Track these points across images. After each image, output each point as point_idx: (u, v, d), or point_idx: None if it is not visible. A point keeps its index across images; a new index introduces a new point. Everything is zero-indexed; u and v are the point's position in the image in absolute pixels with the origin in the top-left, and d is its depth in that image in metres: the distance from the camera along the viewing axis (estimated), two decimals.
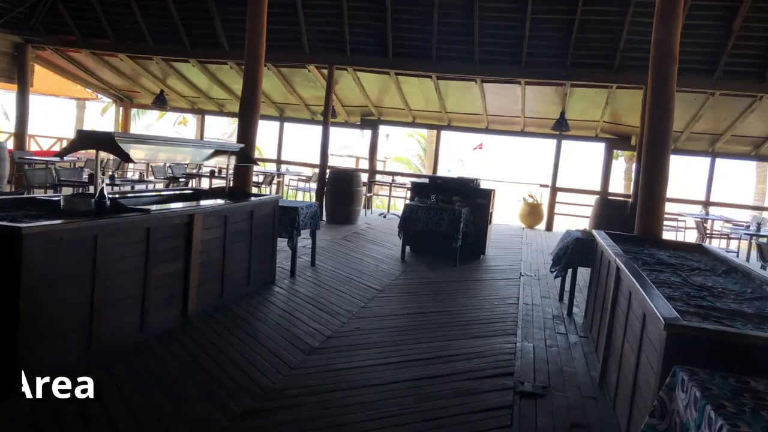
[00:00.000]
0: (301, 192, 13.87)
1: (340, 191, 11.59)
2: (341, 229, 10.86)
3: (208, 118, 20.90)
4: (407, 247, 8.80)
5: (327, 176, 11.90)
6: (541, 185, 14.52)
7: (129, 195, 6.06)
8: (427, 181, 9.35)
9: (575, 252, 6.05)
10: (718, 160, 13.37)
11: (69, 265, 3.59)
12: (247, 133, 6.76)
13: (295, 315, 5.40)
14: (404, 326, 5.43)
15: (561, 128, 12.47)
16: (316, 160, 12.66)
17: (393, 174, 15.62)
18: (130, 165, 13.34)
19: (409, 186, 14.06)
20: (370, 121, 14.71)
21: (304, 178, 14.14)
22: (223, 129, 27.02)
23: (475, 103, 13.13)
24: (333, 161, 12.49)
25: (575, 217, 15.23)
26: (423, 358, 4.57)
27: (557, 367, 4.64)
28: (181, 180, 11.79)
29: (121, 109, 16.25)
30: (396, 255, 8.80)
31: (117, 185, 8.91)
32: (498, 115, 13.65)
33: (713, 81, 10.43)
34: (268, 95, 14.40)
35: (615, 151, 23.40)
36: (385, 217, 13.26)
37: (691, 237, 13.11)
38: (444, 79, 12.06)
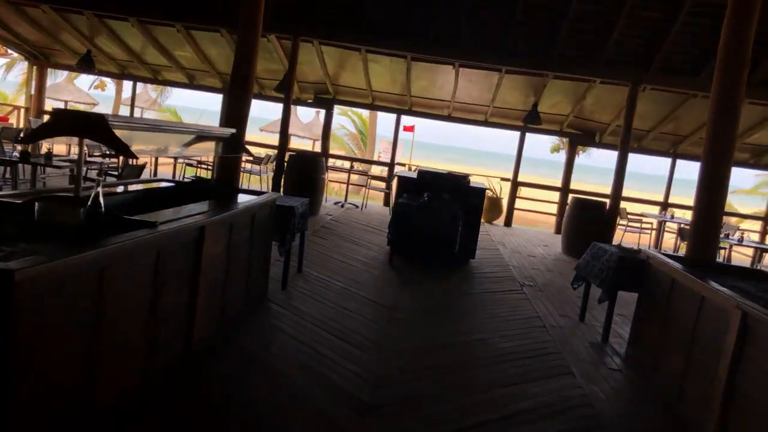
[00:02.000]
0: (251, 176, 12.56)
1: (302, 178, 10.48)
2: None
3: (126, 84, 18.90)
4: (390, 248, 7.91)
5: (287, 160, 10.72)
6: (503, 179, 14.01)
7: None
8: (414, 176, 8.46)
9: (620, 272, 5.40)
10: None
11: (68, 312, 2.45)
12: (238, 117, 5.55)
13: (316, 348, 4.40)
14: (448, 365, 4.55)
15: (533, 120, 11.92)
16: (267, 139, 11.44)
17: (351, 159, 14.57)
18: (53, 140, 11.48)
19: (367, 173, 13.14)
20: (324, 99, 13.57)
21: (253, 159, 12.79)
22: (144, 97, 24.76)
23: (445, 89, 12.33)
24: (262, 139, 11.27)
25: (536, 213, 14.90)
26: (499, 417, 3.73)
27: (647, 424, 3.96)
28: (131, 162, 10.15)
29: (35, 68, 14.12)
30: (381, 257, 7.89)
31: (56, 166, 7.25)
32: (465, 102, 12.92)
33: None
34: (214, 64, 12.90)
35: (557, 143, 23.53)
36: (342, 206, 12.26)
37: (648, 240, 13.06)
38: (419, 61, 11.14)
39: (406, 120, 15.19)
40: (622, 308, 6.14)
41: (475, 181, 8.99)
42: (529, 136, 13.46)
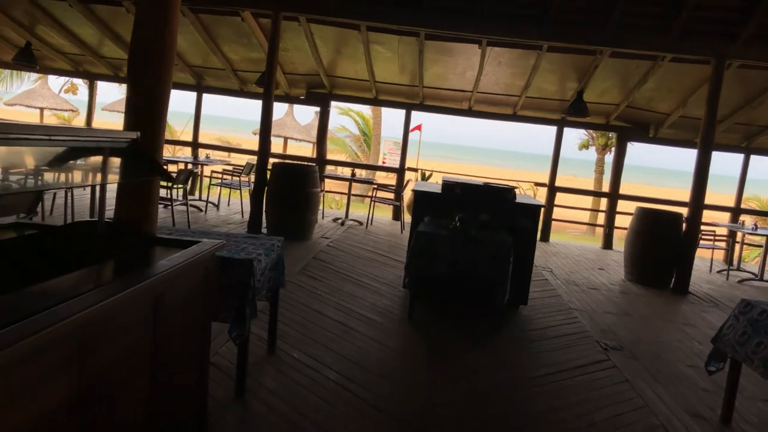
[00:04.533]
0: (230, 190, 10.21)
1: (288, 194, 8.13)
2: (293, 251, 7.43)
3: (101, 85, 16.60)
4: (409, 293, 5.53)
5: (270, 171, 8.37)
6: (537, 184, 11.63)
7: None
8: (438, 189, 6.08)
9: None
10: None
11: None
12: (148, 113, 3.18)
13: None
14: None
15: (577, 111, 9.52)
16: (245, 143, 9.10)
17: (352, 165, 12.17)
18: None
19: (374, 185, 10.78)
20: (319, 95, 11.21)
21: (232, 170, 10.44)
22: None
23: (466, 75, 9.96)
24: (253, 144, 8.83)
25: (573, 223, 12.53)
26: None
27: None
28: None
29: None
30: (395, 309, 5.52)
31: None
32: (490, 93, 10.54)
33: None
34: (181, 55, 10.58)
35: (585, 138, 21.11)
36: (343, 224, 9.91)
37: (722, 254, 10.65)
38: (435, 39, 8.77)
39: (416, 117, 12.82)
40: None
41: (523, 194, 6.61)
42: (550, 131, 11.09)
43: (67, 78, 19.98)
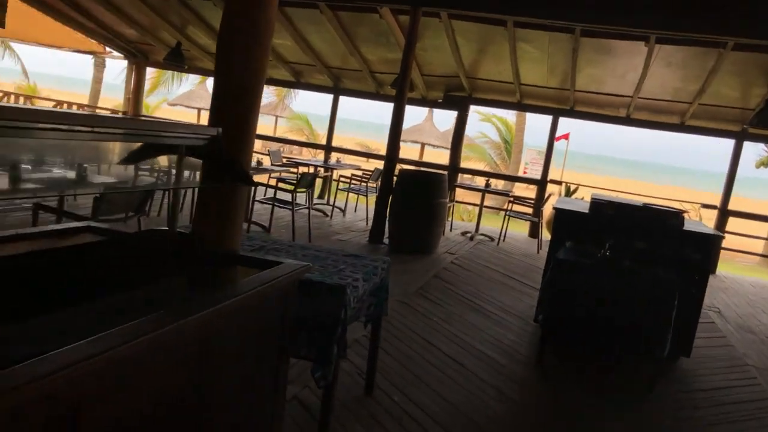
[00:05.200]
0: (356, 195, 9.81)
1: (414, 204, 7.50)
2: (412, 266, 6.80)
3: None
4: (541, 331, 4.62)
5: (396, 178, 7.81)
6: (704, 206, 10.04)
7: None
8: (584, 208, 5.11)
9: None
10: None
11: None
12: (236, 107, 2.63)
13: None
14: None
15: (766, 123, 7.94)
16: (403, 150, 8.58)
17: (487, 175, 11.31)
18: None
19: (510, 197, 9.86)
20: (457, 98, 10.50)
21: (361, 175, 10.05)
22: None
23: (627, 78, 8.75)
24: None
25: (744, 253, 10.71)
26: None
27: None
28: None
29: (133, 67, 12.56)
30: (522, 348, 4.65)
31: None
32: (653, 99, 9.21)
33: None
34: (319, 56, 10.39)
35: (766, 155, 18.41)
36: (472, 238, 9.11)
37: None
38: (593, 36, 7.72)
39: (564, 124, 11.66)
40: None
41: (690, 219, 5.42)
42: (724, 144, 9.44)
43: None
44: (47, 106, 12.86)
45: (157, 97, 24.32)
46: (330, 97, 11.47)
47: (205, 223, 2.65)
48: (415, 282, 6.07)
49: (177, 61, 10.48)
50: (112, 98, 22.05)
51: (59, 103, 12.07)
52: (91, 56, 15.22)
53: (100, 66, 16.37)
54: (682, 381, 4.50)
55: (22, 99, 14.00)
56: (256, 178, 8.17)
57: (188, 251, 2.43)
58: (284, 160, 9.89)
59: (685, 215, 5.06)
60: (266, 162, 9.56)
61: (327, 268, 2.98)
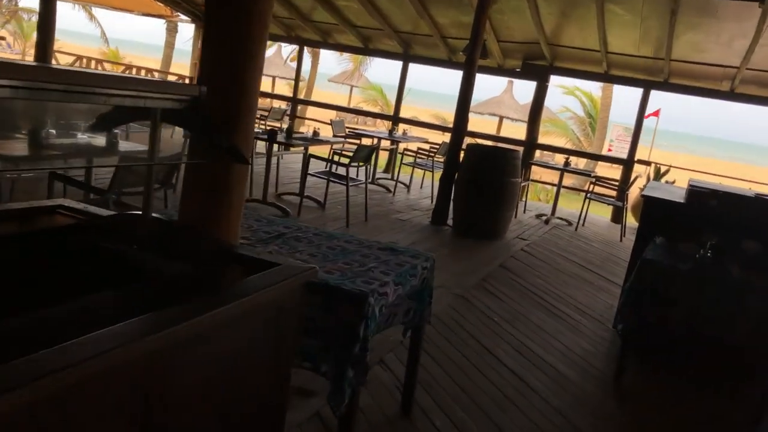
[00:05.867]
0: (422, 170, 9.17)
1: (482, 183, 6.81)
2: (476, 252, 6.17)
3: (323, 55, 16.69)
4: (621, 343, 3.89)
5: (462, 154, 7.12)
6: None
7: None
8: (680, 197, 4.29)
9: None
10: None
11: None
12: (225, 64, 2.14)
13: None
14: None
15: None
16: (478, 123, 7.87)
17: (567, 152, 10.32)
18: None
19: (592, 177, 8.94)
20: (537, 67, 9.60)
21: (429, 149, 9.38)
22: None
23: (733, 45, 7.61)
24: (470, 124, 7.46)
25: None
26: None
27: None
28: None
29: (201, 32, 12.32)
30: (598, 361, 3.95)
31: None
32: (764, 70, 8.01)
33: None
34: (387, 18, 9.72)
35: None
36: (547, 222, 8.32)
37: None
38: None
39: (656, 98, 10.51)
40: None
41: None
42: None
43: (294, 46, 20.49)
44: (116, 71, 12.89)
45: None
46: (399, 64, 10.80)
47: (190, 206, 2.14)
48: (478, 271, 5.45)
49: None
50: (185, 63, 22.18)
51: (128, 67, 12.05)
52: (163, 21, 15.18)
53: (172, 31, 16.36)
54: None
55: (93, 63, 14.18)
56: (314, 149, 7.72)
57: (165, 243, 1.93)
58: (347, 132, 9.38)
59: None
60: (328, 132, 9.09)
61: (352, 266, 2.42)
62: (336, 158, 7.33)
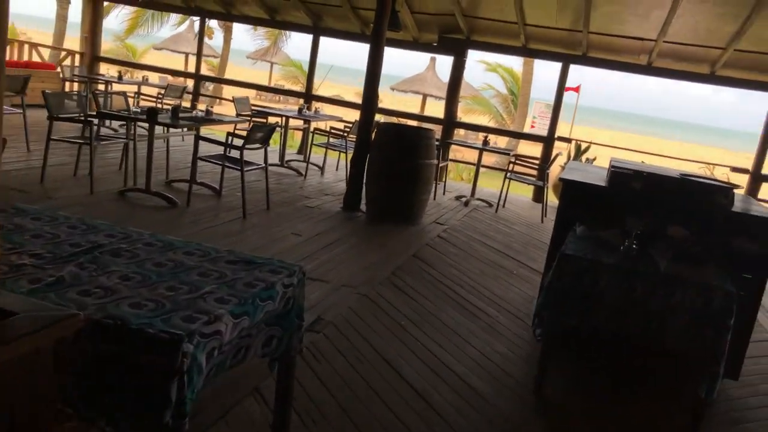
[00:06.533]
0: (336, 152, 8.50)
1: (394, 165, 6.25)
2: (389, 240, 5.64)
3: (236, 30, 15.64)
4: (542, 348, 3.43)
5: (374, 133, 6.53)
6: (733, 169, 8.72)
7: None
8: (602, 180, 3.86)
9: None
10: None
11: None
12: None
13: None
14: None
15: None
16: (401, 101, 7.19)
17: (486, 130, 9.89)
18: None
19: (511, 152, 8.54)
20: (453, 41, 9.09)
21: (343, 128, 8.73)
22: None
23: (650, 17, 7.35)
24: (393, 102, 6.91)
25: None
26: None
27: None
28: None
29: (90, 4, 11.09)
30: (516, 369, 3.47)
31: None
32: (680, 42, 7.82)
33: None
34: None
35: None
36: (467, 204, 7.88)
37: None
38: None
39: (576, 73, 10.26)
40: None
41: (743, 196, 4.15)
42: (757, 98, 8.05)
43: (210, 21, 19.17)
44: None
45: (137, 39, 22.76)
46: (309, 37, 10.05)
47: None
48: (388, 264, 4.90)
49: None
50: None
51: (21, 44, 10.70)
52: None
53: (63, 2, 14.86)
54: (729, 415, 3.35)
55: None
56: (206, 129, 6.92)
57: None
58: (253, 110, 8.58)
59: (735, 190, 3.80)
60: (230, 111, 8.30)
61: (177, 294, 1.78)
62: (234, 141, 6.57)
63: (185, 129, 7.06)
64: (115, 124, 8.50)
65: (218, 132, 8.85)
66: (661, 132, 45.45)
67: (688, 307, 2.84)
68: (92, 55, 10.98)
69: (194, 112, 6.39)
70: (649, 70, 8.55)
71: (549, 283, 3.12)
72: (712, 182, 3.76)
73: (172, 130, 6.57)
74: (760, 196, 8.20)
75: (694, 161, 10.98)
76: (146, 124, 5.70)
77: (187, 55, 24.00)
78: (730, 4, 6.73)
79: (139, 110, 5.86)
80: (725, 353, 2.80)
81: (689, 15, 7.06)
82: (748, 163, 8.46)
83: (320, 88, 21.17)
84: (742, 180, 8.36)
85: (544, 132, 9.75)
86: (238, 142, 5.84)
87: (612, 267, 2.98)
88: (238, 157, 5.74)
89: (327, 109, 10.35)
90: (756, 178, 8.22)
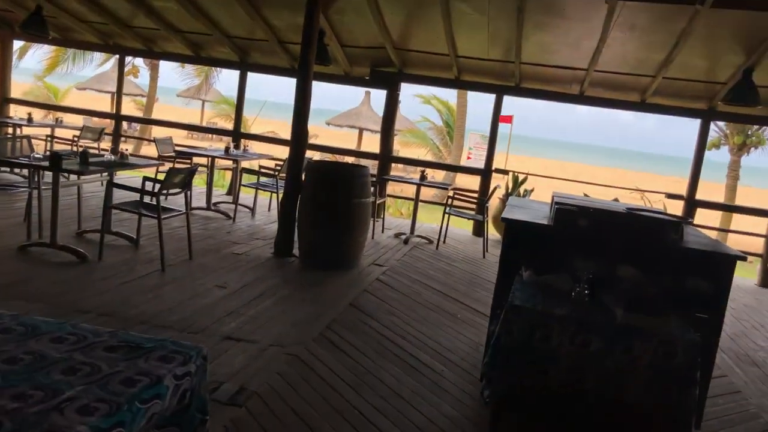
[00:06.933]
0: (267, 192, 8.07)
1: (327, 205, 5.88)
2: (324, 288, 5.23)
3: (163, 67, 15.06)
4: (491, 411, 3.09)
5: (304, 173, 6.15)
6: (668, 195, 8.77)
7: None
8: (545, 218, 3.60)
9: None
10: None
11: None
12: None
13: None
14: None
15: (741, 97, 6.73)
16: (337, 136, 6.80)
17: (423, 165, 9.68)
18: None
19: (449, 186, 8.32)
20: (385, 74, 8.88)
21: (274, 166, 8.31)
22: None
23: (581, 46, 7.33)
24: (329, 137, 6.57)
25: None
26: None
27: None
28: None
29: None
30: None
31: None
32: (610, 71, 7.85)
33: None
34: (217, 23, 8.56)
35: (717, 136, 17.56)
36: (406, 242, 7.57)
37: None
38: None
39: (510, 103, 10.24)
40: None
41: (694, 230, 3.97)
42: (684, 125, 8.20)
43: (130, 58, 18.42)
44: None
45: (56, 79, 21.76)
46: (236, 74, 9.64)
47: None
48: (323, 316, 4.47)
49: (38, 30, 8.44)
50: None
51: None
52: None
53: None
54: None
55: None
56: (129, 173, 6.38)
57: None
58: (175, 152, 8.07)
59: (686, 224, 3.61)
60: (150, 152, 7.75)
61: (25, 404, 1.34)
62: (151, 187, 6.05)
63: (103, 174, 6.50)
64: (26, 170, 7.80)
65: (142, 175, 8.27)
66: (593, 159, 46.90)
67: (649, 361, 2.56)
68: (1, 97, 10.21)
69: (105, 156, 5.85)
70: (582, 99, 8.56)
71: (496, 339, 2.79)
72: (662, 217, 3.56)
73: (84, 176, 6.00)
74: (696, 221, 8.26)
75: (629, 189, 11.10)
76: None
77: (112, 94, 23.09)
78: (658, 33, 6.77)
79: (41, 156, 5.27)
80: (693, 409, 2.53)
81: (619, 44, 7.07)
82: (678, 188, 8.54)
83: (254, 125, 20.68)
84: (677, 206, 8.42)
85: (480, 164, 9.61)
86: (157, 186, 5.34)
87: (564, 319, 2.69)
88: (160, 205, 5.23)
89: (258, 147, 9.91)
90: (691, 204, 8.28)
